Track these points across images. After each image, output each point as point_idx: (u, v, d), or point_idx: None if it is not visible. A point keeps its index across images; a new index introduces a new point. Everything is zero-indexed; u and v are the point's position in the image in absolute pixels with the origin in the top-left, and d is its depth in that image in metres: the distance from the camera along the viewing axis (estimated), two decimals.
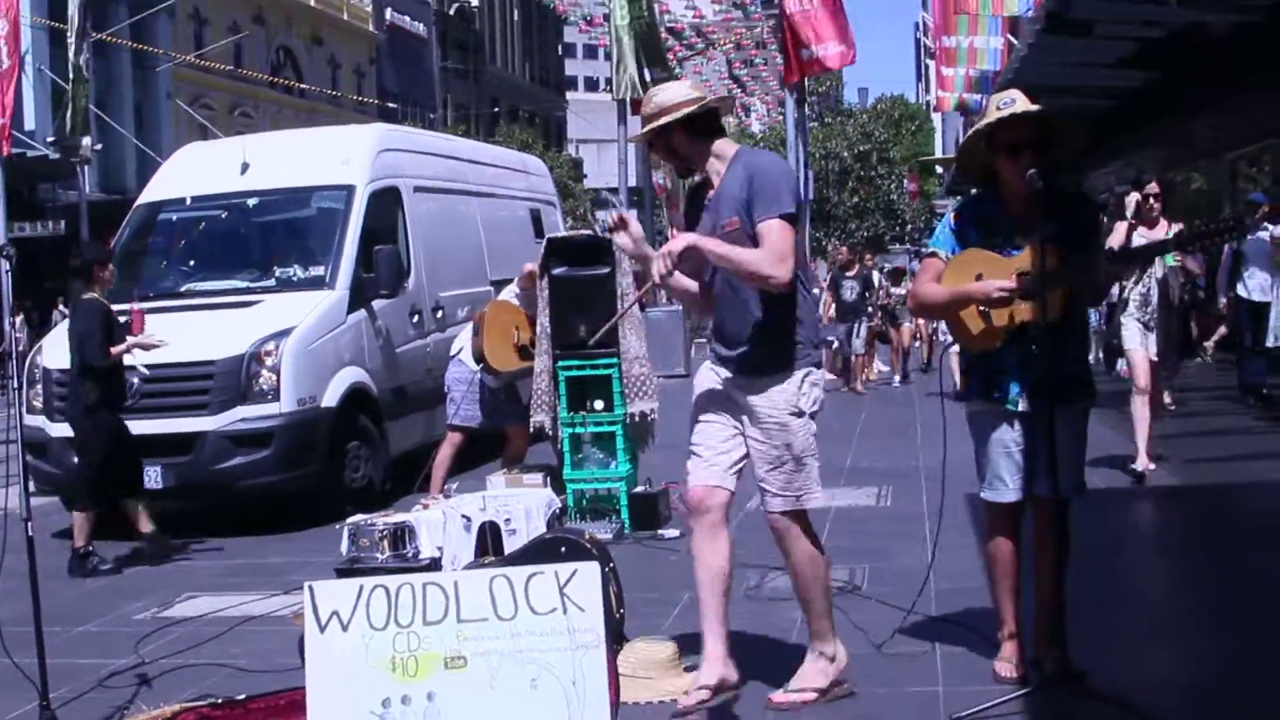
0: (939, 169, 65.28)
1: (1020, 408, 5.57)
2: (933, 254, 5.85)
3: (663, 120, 5.61)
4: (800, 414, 5.55)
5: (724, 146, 5.70)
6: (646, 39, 22.84)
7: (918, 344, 23.23)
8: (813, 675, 5.75)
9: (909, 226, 70.85)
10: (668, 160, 5.89)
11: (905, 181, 68.93)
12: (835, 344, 20.35)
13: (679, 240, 5.51)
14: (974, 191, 5.98)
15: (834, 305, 20.62)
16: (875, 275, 23.12)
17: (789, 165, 6.16)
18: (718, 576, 5.68)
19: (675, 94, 5.72)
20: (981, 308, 5.57)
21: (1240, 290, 13.71)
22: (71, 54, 20.91)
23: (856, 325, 20.18)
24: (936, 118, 79.17)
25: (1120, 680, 5.59)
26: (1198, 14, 16.14)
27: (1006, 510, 5.74)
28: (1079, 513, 5.78)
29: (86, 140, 20.97)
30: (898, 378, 21.46)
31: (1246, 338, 14.12)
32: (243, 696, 5.73)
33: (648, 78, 23.29)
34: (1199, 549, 8.75)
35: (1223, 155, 22.07)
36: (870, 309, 20.90)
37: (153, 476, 10.46)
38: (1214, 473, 11.44)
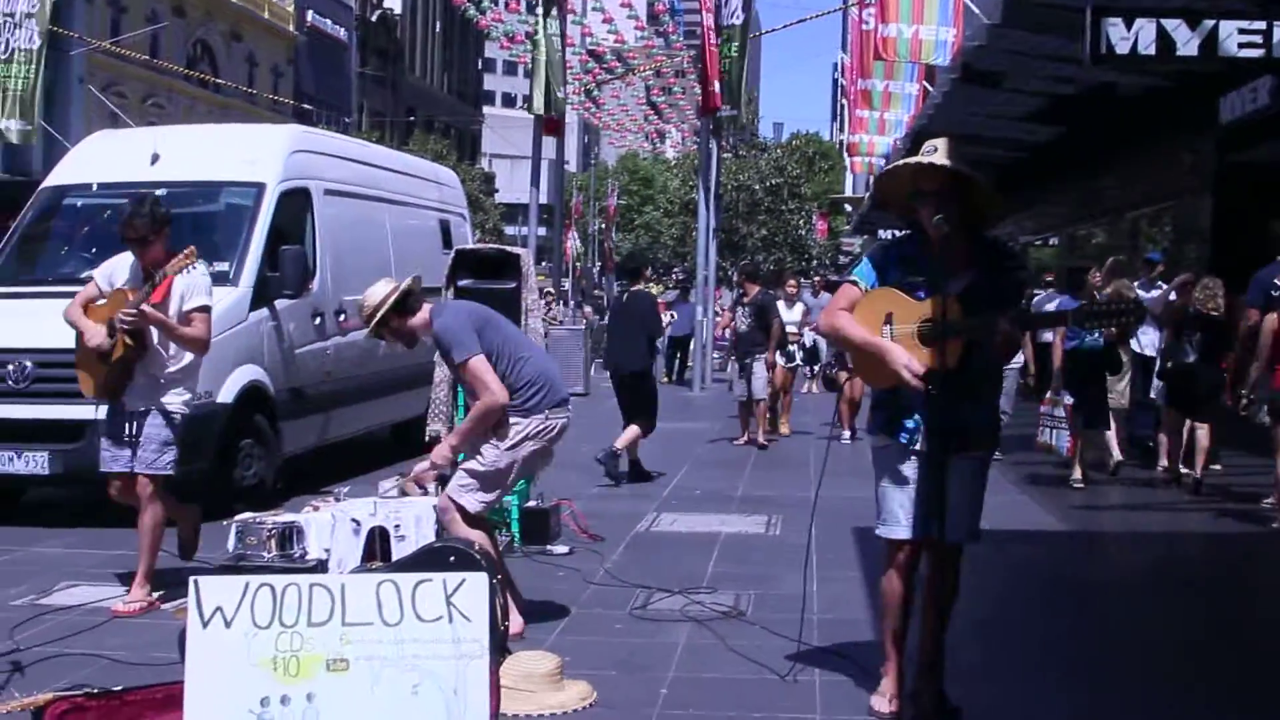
0: (848, 208, 65.87)
1: (919, 447, 5.63)
2: (852, 282, 5.89)
3: (379, 315, 7.08)
4: (493, 443, 7.13)
5: (423, 317, 7.18)
6: (556, 59, 22.92)
7: None
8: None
9: (815, 263, 71.43)
10: (394, 340, 7.33)
11: (814, 218, 69.42)
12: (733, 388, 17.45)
13: (444, 454, 7.31)
14: (901, 233, 6.06)
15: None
16: (800, 306, 19.30)
17: (452, 317, 7.24)
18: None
19: (378, 292, 7.13)
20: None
21: (1134, 345, 13.97)
22: (25, 40, 20.35)
23: (748, 362, 16.60)
24: (848, 157, 79.96)
25: (992, 717, 5.69)
26: (1109, 74, 16.46)
27: (901, 547, 5.79)
28: (971, 551, 5.86)
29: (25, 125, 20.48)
30: (847, 433, 16.86)
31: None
32: (119, 688, 5.66)
33: (560, 95, 23.45)
34: (1082, 595, 8.91)
35: (1125, 214, 22.48)
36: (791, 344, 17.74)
37: (39, 462, 10.32)
38: (1099, 521, 11.67)
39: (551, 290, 46.40)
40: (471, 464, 7.20)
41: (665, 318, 14.59)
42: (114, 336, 7.87)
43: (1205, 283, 12.81)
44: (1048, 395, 13.25)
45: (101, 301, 8.13)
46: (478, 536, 7.09)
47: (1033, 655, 7.18)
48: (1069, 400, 12.93)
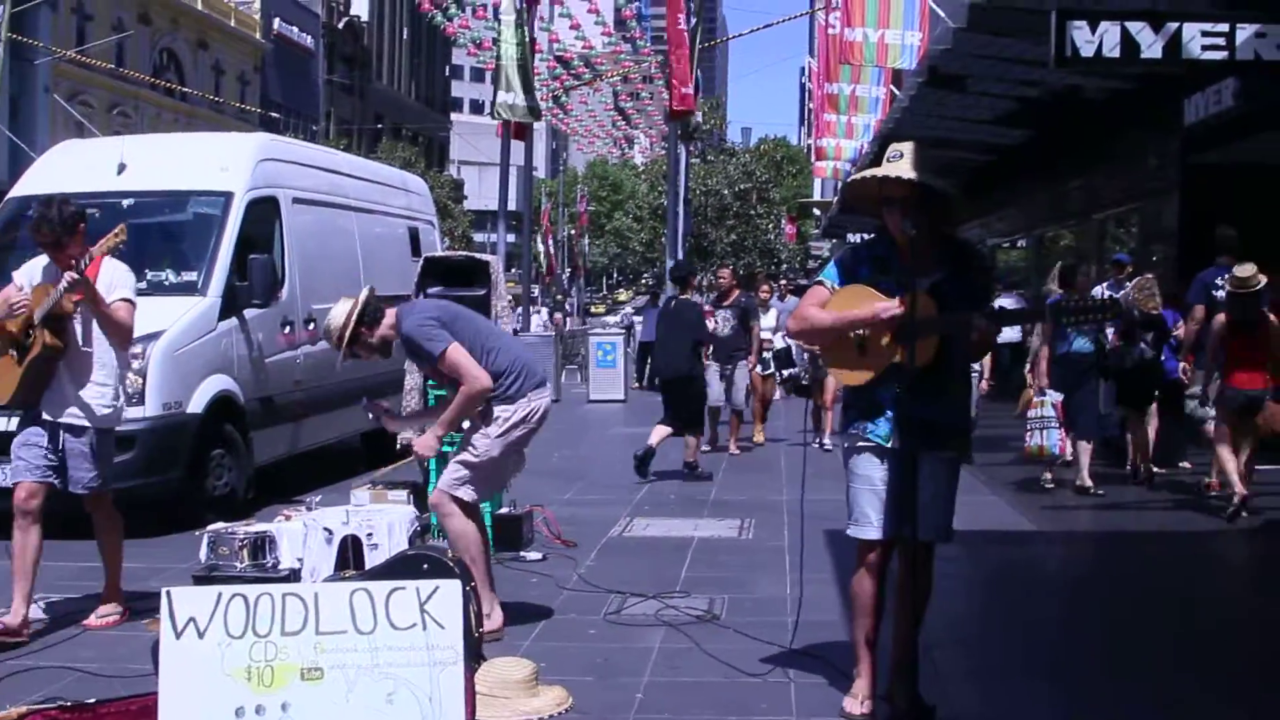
0: (817, 212, 66.07)
1: (891, 445, 5.65)
2: (819, 283, 5.92)
3: (347, 333, 7.09)
4: (484, 434, 7.23)
5: (389, 321, 7.22)
6: (521, 64, 23.01)
7: None
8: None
9: (784, 266, 71.59)
10: (370, 355, 7.32)
11: (783, 222, 69.63)
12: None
13: (430, 445, 7.38)
14: (870, 236, 6.09)
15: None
16: (774, 311, 18.34)
17: (420, 316, 7.28)
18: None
19: (340, 311, 7.14)
20: (857, 341, 5.67)
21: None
22: None
23: (730, 368, 15.86)
24: (816, 162, 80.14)
25: (968, 717, 5.71)
26: (1074, 77, 16.56)
27: (872, 548, 5.80)
28: (943, 552, 5.88)
29: None
30: (819, 439, 16.15)
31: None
32: (92, 700, 5.64)
33: (520, 102, 23.55)
34: (1055, 594, 8.96)
35: (1092, 215, 22.58)
36: (762, 349, 16.63)
37: (4, 474, 10.25)
38: (1070, 520, 11.73)
39: (511, 298, 46.08)
40: (464, 456, 7.28)
41: (710, 324, 15.23)
42: (31, 334, 7.33)
43: (1141, 282, 12.94)
44: (1031, 399, 12.99)
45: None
46: (472, 531, 7.24)
47: (1007, 654, 7.21)
48: (1058, 398, 12.66)
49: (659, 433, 14.10)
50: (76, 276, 7.15)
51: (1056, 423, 12.70)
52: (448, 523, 7.29)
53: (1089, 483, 12.74)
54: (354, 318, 7.13)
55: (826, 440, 15.95)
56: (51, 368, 7.42)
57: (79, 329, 7.47)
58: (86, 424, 7.49)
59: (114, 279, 7.56)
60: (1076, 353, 12.70)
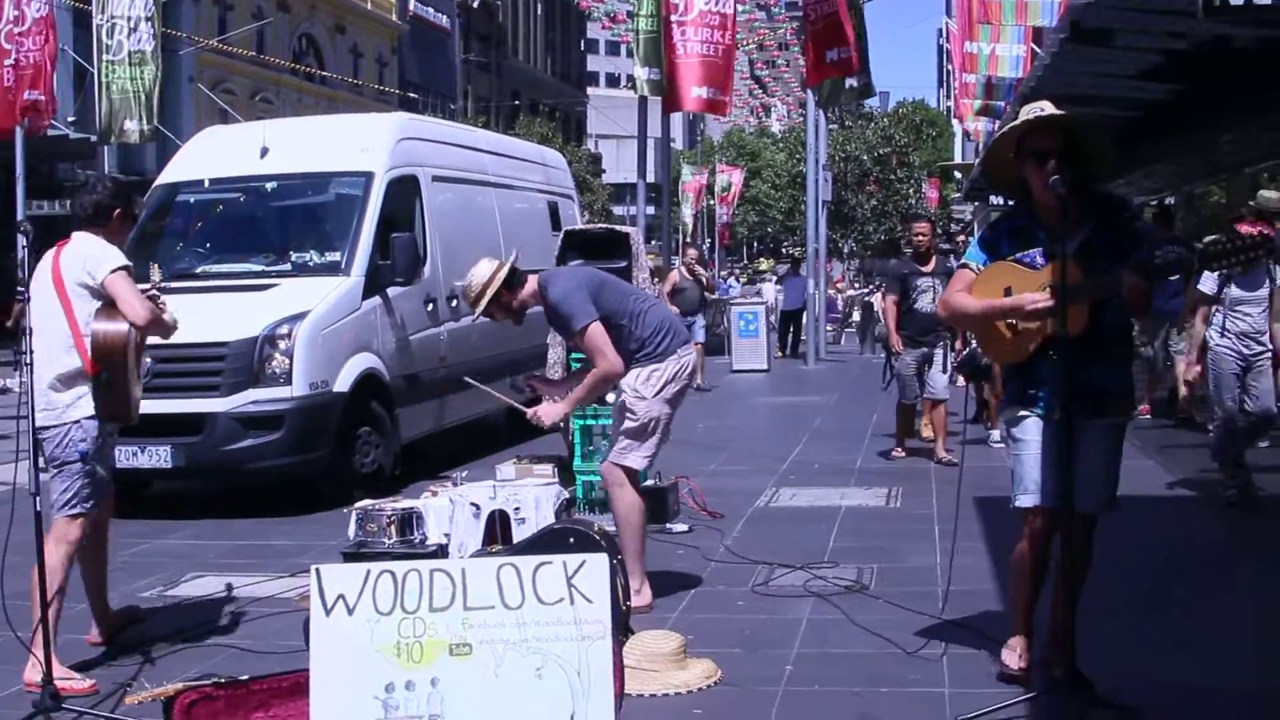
0: (958, 175, 65.13)
1: (1054, 417, 5.50)
2: (964, 265, 5.82)
3: (489, 292, 7.16)
4: (639, 395, 7.23)
5: (531, 288, 7.29)
6: (651, 38, 22.74)
7: None
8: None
9: None
10: (504, 317, 7.38)
11: (924, 187, 68.77)
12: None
13: (552, 414, 7.42)
14: (1010, 204, 5.94)
15: (898, 321, 12.84)
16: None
17: (567, 284, 7.27)
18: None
19: (484, 270, 7.22)
20: (1010, 320, 5.56)
21: None
22: (141, 42, 20.68)
23: (940, 351, 12.74)
24: (957, 124, 78.92)
25: (1127, 690, 5.56)
26: (1223, 27, 16.07)
27: (1035, 517, 5.69)
28: (1105, 521, 5.71)
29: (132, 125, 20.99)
30: (996, 431, 12.52)
31: None
32: (245, 677, 5.69)
33: (652, 76, 23.06)
34: (1217, 562, 8.69)
35: (1243, 169, 21.97)
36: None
37: (162, 456, 10.46)
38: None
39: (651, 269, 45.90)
40: (625, 424, 7.34)
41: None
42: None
43: None
44: None
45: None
46: (639, 505, 7.36)
47: (1169, 628, 6.99)
48: None
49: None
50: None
51: None
52: (617, 493, 7.35)
53: None
54: (498, 279, 7.19)
55: (995, 433, 12.83)
56: None
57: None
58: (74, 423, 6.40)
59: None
60: None
